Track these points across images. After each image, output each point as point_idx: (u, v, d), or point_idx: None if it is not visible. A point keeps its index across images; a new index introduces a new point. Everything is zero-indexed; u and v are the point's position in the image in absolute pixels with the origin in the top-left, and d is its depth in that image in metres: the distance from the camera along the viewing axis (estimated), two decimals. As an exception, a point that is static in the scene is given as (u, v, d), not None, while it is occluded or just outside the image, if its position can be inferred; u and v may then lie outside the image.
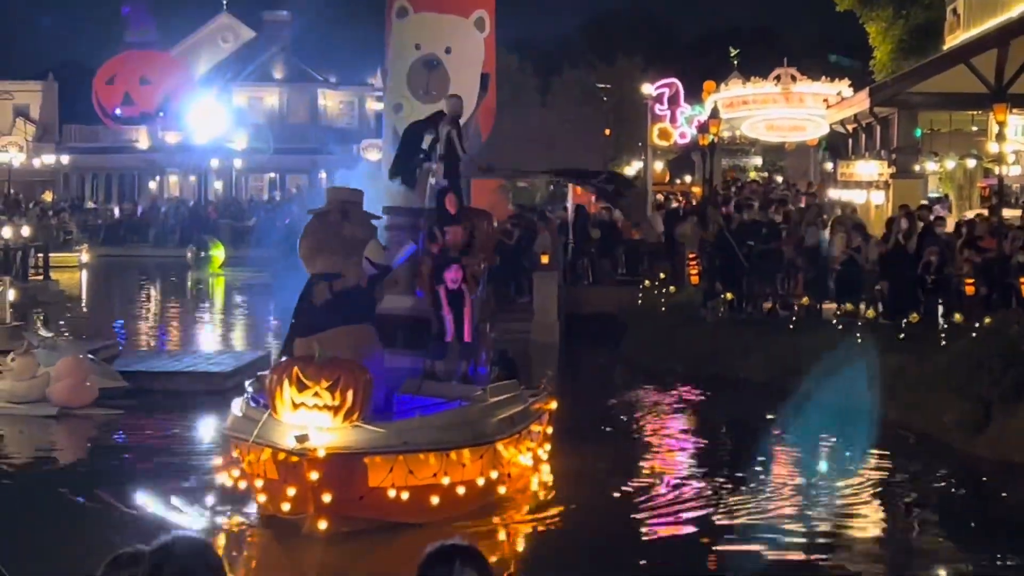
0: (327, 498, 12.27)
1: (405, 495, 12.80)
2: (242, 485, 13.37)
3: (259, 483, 12.98)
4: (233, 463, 13.46)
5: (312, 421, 12.45)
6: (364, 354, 13.39)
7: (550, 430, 16.10)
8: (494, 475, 13.94)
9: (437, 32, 37.54)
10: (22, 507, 14.58)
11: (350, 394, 12.46)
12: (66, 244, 50.66)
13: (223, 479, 13.63)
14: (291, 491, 12.41)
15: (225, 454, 13.88)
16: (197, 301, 41.35)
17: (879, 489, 15.99)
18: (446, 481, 13.19)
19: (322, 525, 12.38)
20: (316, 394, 12.47)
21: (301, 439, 12.17)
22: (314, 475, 12.17)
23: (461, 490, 13.35)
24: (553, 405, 16.33)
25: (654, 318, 26.71)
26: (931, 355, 19.38)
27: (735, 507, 14.80)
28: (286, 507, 12.57)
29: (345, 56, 66.33)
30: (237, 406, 13.81)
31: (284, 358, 13.82)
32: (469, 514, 13.44)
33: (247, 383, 14.59)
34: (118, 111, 68.60)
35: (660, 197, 44.14)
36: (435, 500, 13.08)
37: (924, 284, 24.19)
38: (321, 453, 12.18)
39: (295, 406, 12.53)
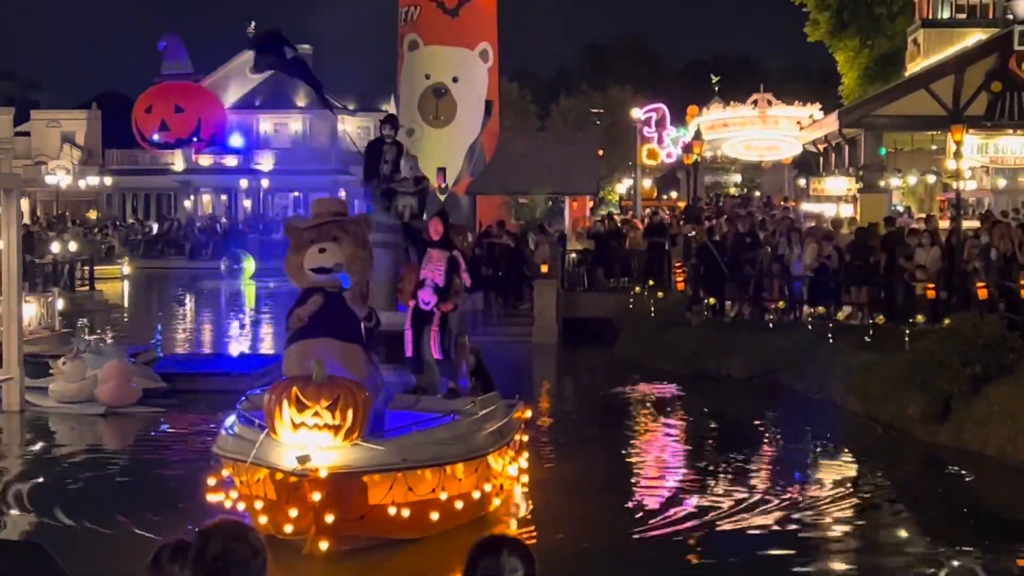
0: (330, 518, 11.30)
1: (405, 512, 11.86)
2: (240, 507, 12.19)
3: (259, 504, 11.80)
4: (226, 483, 12.38)
5: (313, 441, 11.42)
6: (357, 373, 12.19)
7: (525, 438, 14.93)
8: (488, 488, 13.04)
9: (445, 63, 38.09)
10: (75, 497, 14.61)
11: (350, 413, 11.47)
12: (109, 257, 50.73)
13: (217, 499, 12.36)
14: (293, 512, 11.36)
15: (216, 474, 12.62)
16: (229, 308, 41.37)
17: (850, 475, 16.04)
18: (444, 496, 12.23)
19: (323, 546, 11.40)
20: (316, 414, 11.44)
21: (303, 459, 11.13)
22: (316, 495, 11.15)
23: (459, 504, 12.39)
24: (528, 414, 15.11)
25: (644, 321, 26.75)
26: (896, 354, 19.41)
27: (719, 498, 14.81)
28: (289, 529, 11.48)
29: (362, 85, 66.58)
30: (229, 426, 12.71)
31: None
32: (464, 527, 12.47)
33: (238, 404, 13.17)
34: (155, 137, 68.55)
35: (648, 211, 44.24)
36: (434, 516, 12.13)
37: (891, 289, 24.23)
38: (323, 473, 11.15)
39: (295, 426, 11.48)
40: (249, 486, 11.91)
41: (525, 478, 14.47)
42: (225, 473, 12.38)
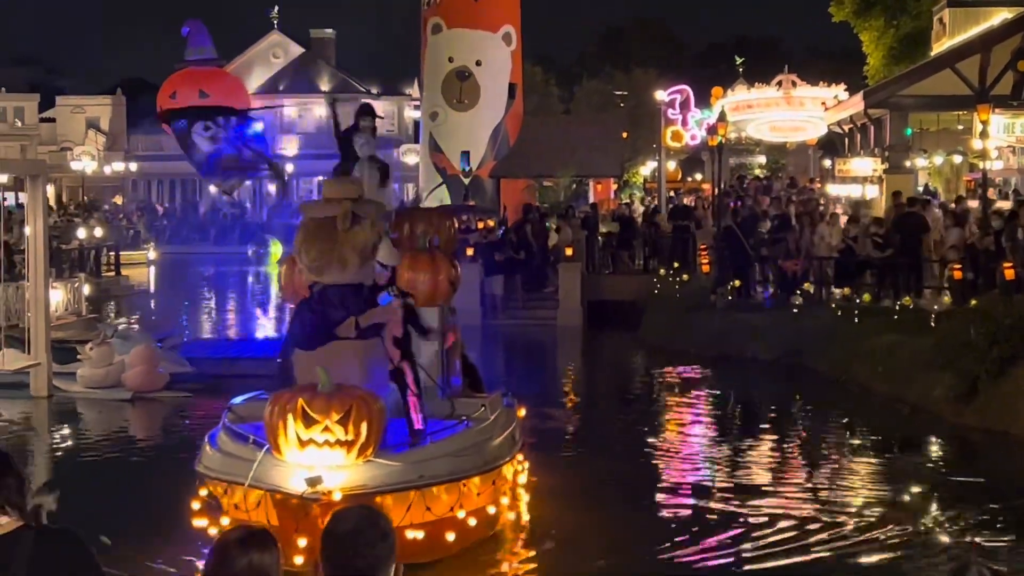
0: None
1: (420, 534, 10.45)
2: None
3: None
4: (213, 505, 10.87)
5: (323, 459, 10.15)
6: (373, 374, 10.93)
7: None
8: (504, 501, 11.82)
9: (468, 46, 38.12)
10: (105, 481, 14.71)
11: (364, 427, 10.17)
12: (135, 243, 50.96)
13: (204, 525, 10.83)
14: (303, 541, 9.79)
15: (198, 495, 11.08)
16: (256, 293, 41.50)
17: (876, 457, 16.00)
18: (462, 514, 10.94)
19: None
20: (326, 429, 10.13)
21: (313, 481, 9.92)
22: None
23: (472, 521, 11.08)
24: (523, 412, 13.44)
25: (668, 304, 26.73)
26: (923, 334, 19.36)
27: (747, 482, 14.82)
28: (299, 560, 9.77)
29: (386, 69, 66.65)
30: (216, 440, 11.26)
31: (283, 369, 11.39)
32: (477, 547, 11.43)
33: (223, 414, 11.81)
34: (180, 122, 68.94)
35: (672, 193, 44.21)
36: (450, 536, 10.80)
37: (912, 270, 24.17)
38: (337, 496, 9.89)
39: (302, 443, 10.17)
40: (246, 510, 10.43)
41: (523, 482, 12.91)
42: (203, 492, 10.99)
